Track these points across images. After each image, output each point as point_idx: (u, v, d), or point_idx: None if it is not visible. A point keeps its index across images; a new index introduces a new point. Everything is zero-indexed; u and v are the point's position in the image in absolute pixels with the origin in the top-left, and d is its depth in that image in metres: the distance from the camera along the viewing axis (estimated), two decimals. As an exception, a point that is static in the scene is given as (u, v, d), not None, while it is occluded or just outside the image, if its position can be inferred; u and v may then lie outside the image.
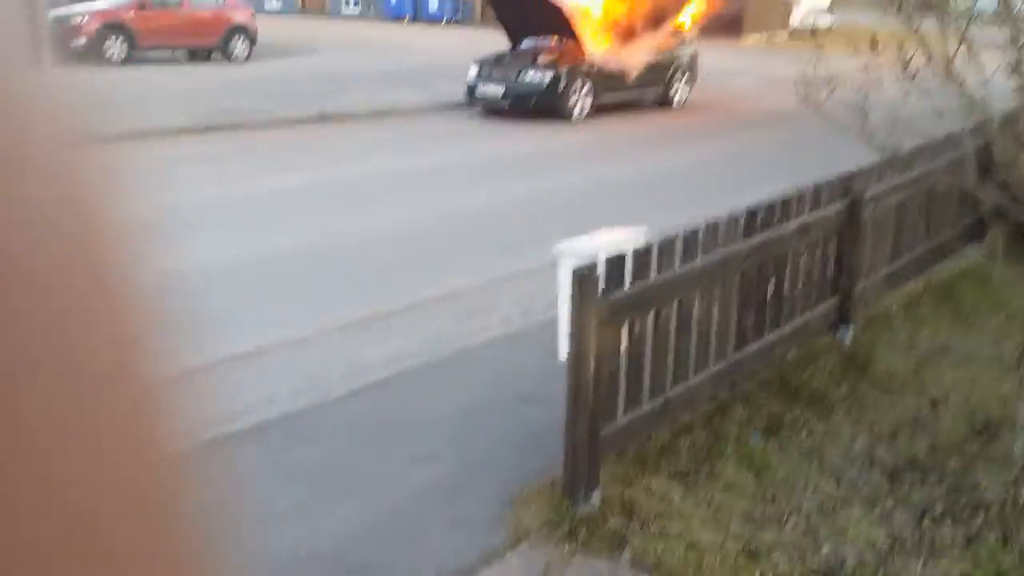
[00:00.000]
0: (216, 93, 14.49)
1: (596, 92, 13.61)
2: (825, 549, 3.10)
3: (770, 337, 4.42)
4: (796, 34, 26.15)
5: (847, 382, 4.49)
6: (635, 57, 14.07)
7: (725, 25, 19.93)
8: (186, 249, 6.71)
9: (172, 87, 15.18)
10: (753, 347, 4.30)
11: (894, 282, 5.62)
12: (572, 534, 3.14)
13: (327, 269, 6.39)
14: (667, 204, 8.23)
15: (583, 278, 3.21)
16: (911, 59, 3.77)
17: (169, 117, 12.01)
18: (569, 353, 3.26)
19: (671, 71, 14.86)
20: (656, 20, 14.44)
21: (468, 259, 6.65)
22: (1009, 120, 3.78)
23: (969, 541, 3.16)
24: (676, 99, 15.08)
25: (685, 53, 15.11)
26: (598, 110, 13.76)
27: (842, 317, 4.95)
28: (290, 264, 6.46)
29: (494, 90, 13.42)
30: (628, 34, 14.24)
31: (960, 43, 3.97)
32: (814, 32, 4.26)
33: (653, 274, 3.54)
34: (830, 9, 28.49)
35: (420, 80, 16.34)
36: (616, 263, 3.34)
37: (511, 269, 6.34)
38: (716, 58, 16.53)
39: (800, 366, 4.61)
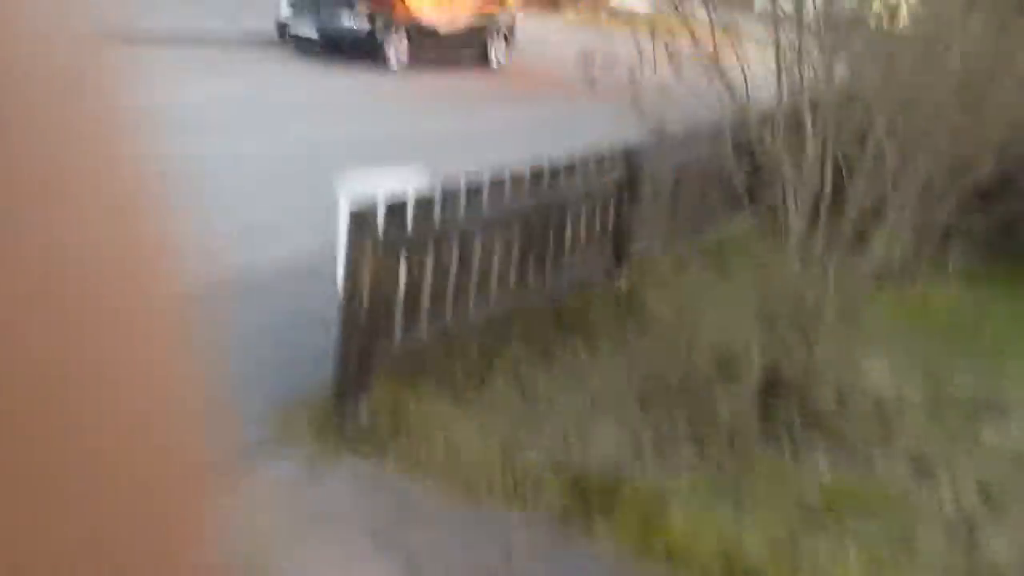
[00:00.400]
0: None
1: (413, 45, 13.62)
2: (574, 452, 3.38)
3: (551, 282, 4.72)
4: (614, 14, 27.05)
5: (617, 324, 4.84)
6: (453, 15, 14.23)
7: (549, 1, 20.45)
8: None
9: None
10: (534, 290, 4.58)
11: (668, 243, 6.09)
12: (339, 439, 3.26)
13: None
14: (469, 156, 8.43)
15: (359, 217, 3.36)
16: (676, 46, 4.14)
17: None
18: (344, 277, 3.40)
19: (490, 34, 15.16)
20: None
21: (268, 194, 6.58)
22: (765, 118, 4.20)
23: (701, 457, 3.54)
24: (493, 61, 15.42)
25: (505, 19, 15.47)
26: (415, 63, 13.78)
27: (619, 270, 5.34)
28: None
29: (308, 31, 13.10)
30: None
31: (728, 35, 4.35)
32: (629, 18, 4.53)
33: (436, 220, 3.73)
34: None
35: (223, 6, 15.51)
36: (395, 208, 3.51)
37: (310, 203, 6.32)
38: (536, 28, 16.95)
39: (578, 308, 4.92)
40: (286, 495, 2.93)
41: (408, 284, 3.67)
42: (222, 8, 15.15)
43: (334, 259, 5.27)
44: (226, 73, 11.64)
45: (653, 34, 4.83)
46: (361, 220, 3.37)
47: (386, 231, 3.45)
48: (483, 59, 15.24)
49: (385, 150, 8.40)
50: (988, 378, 4.48)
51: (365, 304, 3.39)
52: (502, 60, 15.67)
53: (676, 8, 4.49)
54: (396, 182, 4.41)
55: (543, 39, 18.29)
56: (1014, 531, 3.07)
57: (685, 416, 3.86)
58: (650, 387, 4.11)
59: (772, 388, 3.86)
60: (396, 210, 3.53)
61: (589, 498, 3.07)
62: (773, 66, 4.31)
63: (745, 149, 5.08)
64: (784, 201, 4.03)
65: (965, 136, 4.14)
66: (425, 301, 3.80)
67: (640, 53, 4.63)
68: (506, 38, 15.69)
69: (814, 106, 3.97)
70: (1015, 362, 4.72)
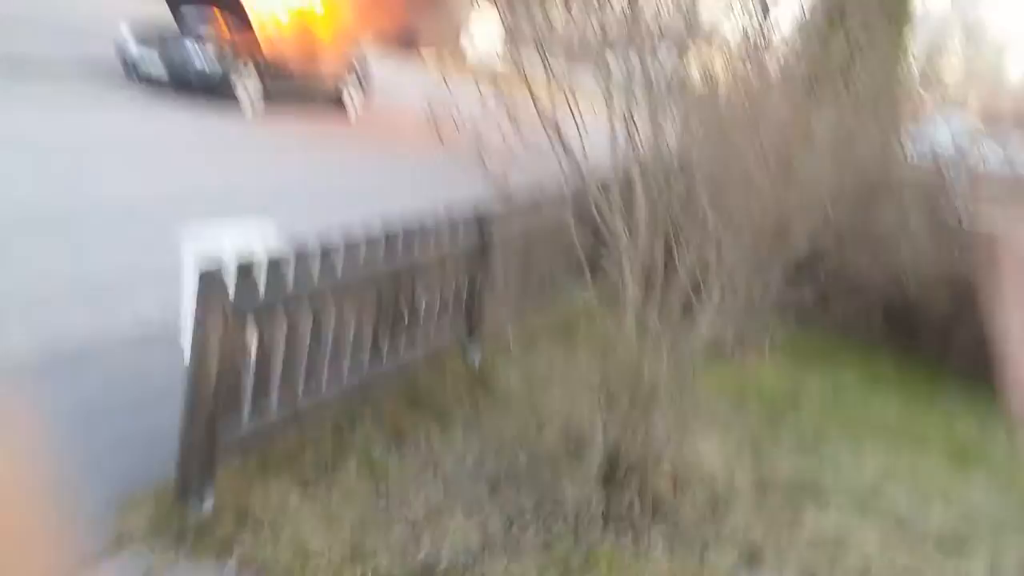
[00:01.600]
0: None
1: (266, 89, 13.39)
2: (424, 551, 3.39)
3: (404, 356, 4.71)
4: (475, 68, 27.46)
5: (470, 400, 4.91)
6: (309, 58, 14.10)
7: (406, 43, 20.60)
8: None
9: None
10: (387, 364, 4.55)
11: (520, 314, 6.23)
12: (179, 539, 3.13)
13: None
14: (319, 211, 8.34)
15: (209, 280, 3.20)
16: (516, 108, 4.16)
17: None
18: (190, 355, 3.26)
19: (346, 80, 15.12)
20: (332, 28, 14.60)
21: (104, 248, 6.26)
22: (605, 186, 4.32)
23: (547, 543, 3.63)
24: (349, 108, 15.37)
25: (361, 65, 15.46)
26: (268, 107, 13.53)
27: (472, 342, 5.40)
28: None
29: (157, 70, 12.66)
30: (303, 36, 14.22)
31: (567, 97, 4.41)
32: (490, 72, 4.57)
33: (289, 284, 3.62)
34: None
35: (60, 39, 14.74)
36: (248, 268, 3.37)
37: (151, 263, 6.06)
38: (394, 75, 17.02)
39: (430, 383, 4.95)
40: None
41: (259, 355, 3.55)
42: (64, 33, 14.33)
43: (177, 324, 5.08)
44: (65, 110, 11.02)
45: (501, 91, 4.89)
46: (210, 282, 3.18)
47: (237, 295, 3.27)
48: (338, 105, 15.14)
49: (230, 202, 8.18)
50: (808, 458, 4.83)
51: (213, 379, 3.24)
52: (358, 107, 15.62)
53: (516, 65, 4.50)
54: (243, 237, 4.25)
55: (400, 86, 18.35)
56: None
57: (532, 500, 3.95)
58: (501, 470, 4.18)
59: (614, 470, 4.01)
60: (246, 271, 3.36)
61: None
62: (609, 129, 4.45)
63: (587, 216, 5.26)
64: (621, 272, 4.13)
65: (779, 208, 4.40)
66: (276, 375, 3.69)
67: (486, 111, 4.65)
68: (362, 84, 15.67)
69: (643, 173, 4.03)
70: (830, 442, 5.11)
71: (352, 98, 15.48)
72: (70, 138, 9.50)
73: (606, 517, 3.81)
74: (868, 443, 5.20)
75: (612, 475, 3.97)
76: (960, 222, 8.28)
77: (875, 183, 7.79)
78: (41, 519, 3.14)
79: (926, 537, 4.15)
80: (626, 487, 3.94)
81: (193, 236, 4.36)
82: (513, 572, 3.38)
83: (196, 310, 3.22)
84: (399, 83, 18.56)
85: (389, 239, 4.38)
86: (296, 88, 14.06)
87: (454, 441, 4.39)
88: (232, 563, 3.09)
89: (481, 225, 5.27)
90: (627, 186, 4.15)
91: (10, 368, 4.26)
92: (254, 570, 3.07)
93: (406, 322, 4.70)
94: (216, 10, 13.48)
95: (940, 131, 14.94)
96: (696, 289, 4.16)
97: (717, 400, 5.18)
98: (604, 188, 4.12)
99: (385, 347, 4.53)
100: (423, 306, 4.83)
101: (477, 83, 4.69)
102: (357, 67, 15.42)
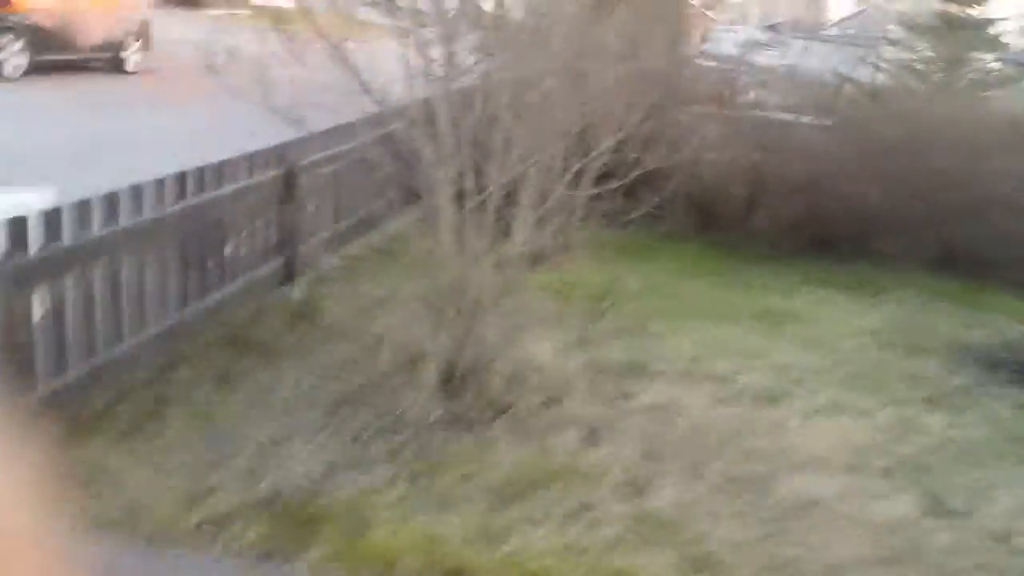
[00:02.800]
0: None
1: (32, 50, 12.24)
2: (266, 482, 3.28)
3: (215, 296, 4.49)
4: (258, 10, 26.29)
5: (295, 333, 4.76)
6: (80, 14, 12.97)
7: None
8: None
9: None
10: (197, 307, 4.33)
11: (337, 243, 6.09)
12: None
13: None
14: (100, 170, 7.77)
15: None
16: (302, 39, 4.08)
17: None
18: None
19: (123, 36, 14.05)
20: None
21: None
22: (403, 112, 4.29)
23: (392, 453, 3.60)
24: (128, 64, 14.32)
25: (138, 18, 14.39)
26: (37, 69, 12.38)
27: (288, 275, 5.23)
28: None
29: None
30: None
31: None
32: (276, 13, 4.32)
33: (67, 238, 3.36)
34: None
35: None
36: (19, 225, 3.10)
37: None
38: (176, 27, 15.93)
39: (250, 322, 4.76)
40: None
41: (47, 317, 3.29)
42: None
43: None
44: None
45: (285, 29, 4.71)
46: None
47: (11, 256, 3.04)
48: (116, 62, 14.05)
49: (7, 160, 7.46)
50: (632, 342, 5.04)
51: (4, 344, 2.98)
52: (138, 63, 14.54)
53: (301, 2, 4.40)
54: (17, 203, 3.92)
55: (182, 39, 17.20)
56: (675, 482, 3.50)
57: (372, 418, 3.90)
58: (336, 395, 4.09)
59: (449, 377, 4.03)
60: (18, 230, 3.11)
61: (288, 524, 3.01)
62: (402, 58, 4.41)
63: (390, 143, 5.19)
64: (434, 195, 4.15)
65: (579, 119, 4.55)
66: (69, 335, 3.43)
67: (270, 50, 4.49)
68: (141, 39, 14.58)
69: (444, 98, 4.07)
70: (651, 327, 5.36)
71: (131, 57, 14.41)
72: None
73: (446, 421, 3.82)
74: (686, 324, 5.48)
75: (448, 382, 3.99)
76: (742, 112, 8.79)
77: (668, 88, 8.09)
78: None
79: (744, 394, 4.44)
80: (463, 391, 3.97)
81: None
82: (362, 485, 3.33)
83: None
84: (182, 38, 17.45)
85: (180, 179, 4.13)
86: (68, 47, 12.91)
87: (283, 375, 4.26)
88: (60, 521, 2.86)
89: (284, 159, 5.07)
90: (430, 113, 4.14)
91: None
92: (88, 523, 2.87)
93: (213, 263, 4.47)
94: None
95: (725, 41, 16.15)
96: (508, 203, 4.23)
97: (541, 303, 5.30)
98: (408, 118, 4.08)
99: (193, 290, 4.30)
100: (230, 245, 4.61)
101: (261, 26, 4.51)
102: (136, 26, 14.34)
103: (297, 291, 5.24)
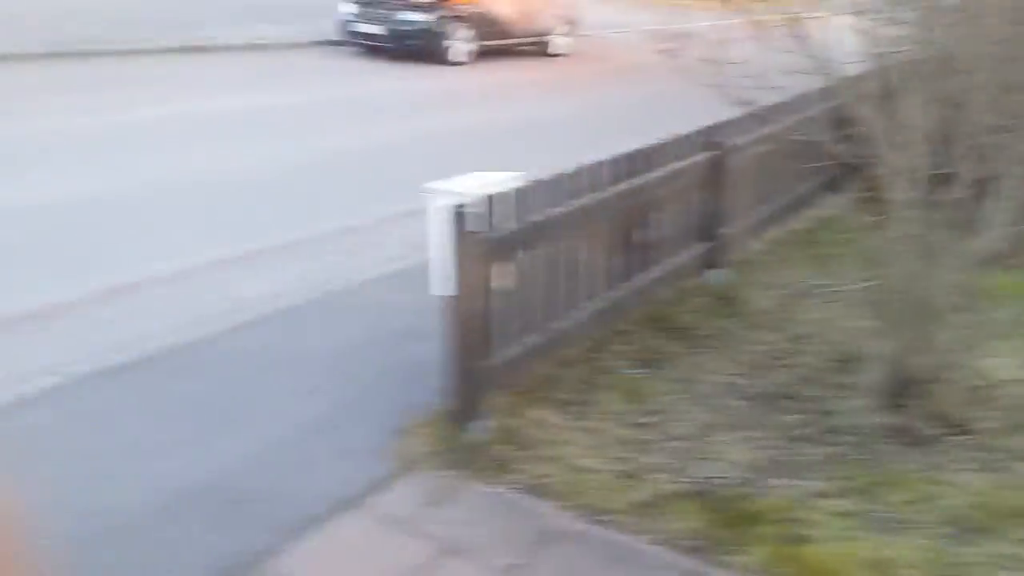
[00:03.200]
0: (60, 18, 13.57)
1: (477, 37, 13.56)
2: (697, 471, 3.27)
3: (644, 278, 4.58)
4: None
5: (718, 320, 4.71)
6: (520, 8, 14.07)
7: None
8: (51, 181, 6.33)
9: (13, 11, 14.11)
10: (628, 287, 4.45)
11: (759, 229, 5.91)
12: (459, 462, 3.20)
13: (206, 203, 6.16)
14: (542, 149, 8.32)
15: (459, 217, 3.22)
16: (762, 20, 3.88)
17: (12, 42, 11.20)
18: (447, 289, 3.29)
19: (553, 22, 14.98)
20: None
21: (350, 197, 6.55)
22: (856, 82, 3.98)
23: (829, 460, 3.40)
24: (558, 48, 15.25)
25: (568, 4, 15.24)
26: (480, 55, 13.72)
27: (712, 261, 5.18)
28: (168, 197, 6.21)
29: (372, 29, 13.16)
30: None
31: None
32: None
33: (529, 215, 3.60)
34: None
35: (292, 13, 15.79)
36: (491, 202, 3.37)
37: (393, 209, 6.29)
38: (597, 10, 16.70)
39: (674, 305, 4.79)
40: (414, 525, 2.88)
41: (508, 287, 3.56)
42: (280, 15, 15.34)
43: (417, 262, 5.24)
44: (290, 76, 11.69)
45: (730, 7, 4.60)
46: (461, 217, 3.22)
47: (486, 227, 3.30)
48: (548, 46, 15.07)
49: (457, 147, 8.34)
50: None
51: (468, 314, 3.28)
52: (565, 47, 15.45)
53: None
54: (486, 185, 4.32)
55: (603, 21, 18.02)
56: None
57: (802, 418, 3.72)
58: (762, 390, 3.97)
59: (893, 387, 3.69)
60: (494, 204, 3.38)
61: (720, 520, 2.97)
62: (855, 33, 4.08)
63: (835, 123, 4.86)
64: (882, 178, 3.78)
65: None
66: (526, 306, 3.70)
67: (724, 29, 4.40)
68: (569, 24, 15.47)
69: (908, 72, 3.69)
70: None
71: (558, 42, 15.34)
72: (298, 100, 10.03)
73: (889, 432, 3.51)
74: None
75: (892, 389, 3.66)
76: None
77: None
78: (327, 446, 3.32)
79: None
80: (909, 402, 3.61)
81: (438, 184, 4.47)
82: (797, 489, 3.19)
83: (449, 246, 3.24)
84: (604, 21, 18.26)
85: (621, 162, 4.25)
86: (507, 34, 14.12)
87: (707, 361, 4.23)
88: (512, 482, 3.12)
89: (711, 139, 5.00)
90: (885, 87, 3.79)
91: (276, 308, 4.54)
92: (533, 488, 3.09)
93: (643, 245, 4.56)
94: None
95: None
96: (975, 195, 3.74)
97: (1002, 308, 4.67)
98: (857, 92, 3.76)
99: (624, 271, 4.42)
100: (659, 228, 4.66)
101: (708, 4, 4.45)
102: (565, 12, 15.24)
103: (720, 277, 5.18)
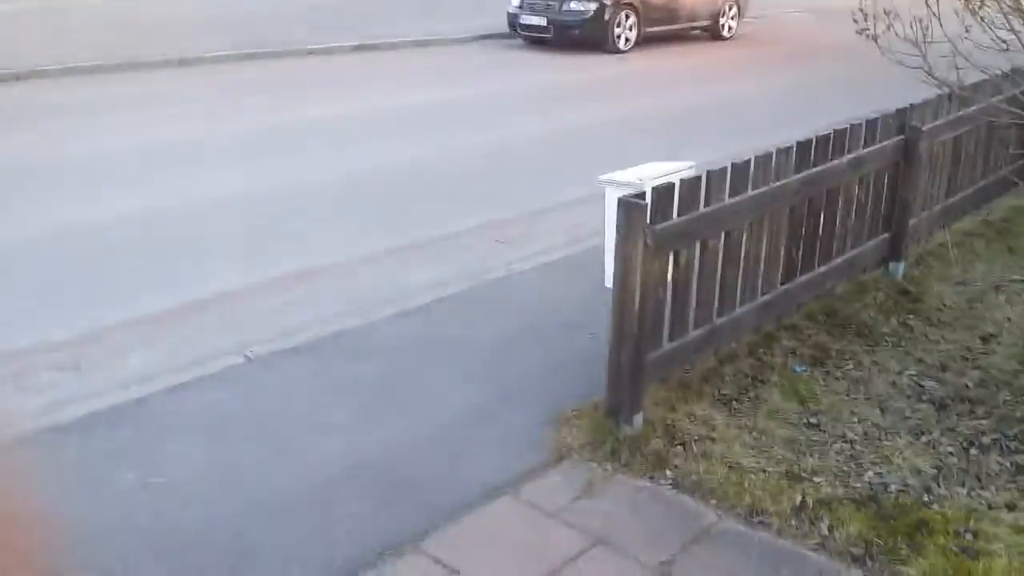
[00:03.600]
0: (246, 21, 14.49)
1: (642, 23, 13.39)
2: (869, 475, 3.09)
3: (820, 270, 4.36)
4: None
5: (897, 316, 4.43)
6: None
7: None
8: (228, 177, 6.80)
9: (202, 15, 15.19)
10: (801, 279, 4.24)
11: (948, 217, 5.50)
12: (614, 454, 3.17)
13: (375, 197, 6.42)
14: (715, 136, 8.10)
15: (630, 206, 3.16)
16: None
17: (198, 44, 12.10)
18: (614, 280, 3.25)
19: (721, 4, 14.55)
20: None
21: (510, 190, 6.63)
22: None
23: (1017, 470, 3.13)
24: (725, 31, 14.81)
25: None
26: (645, 41, 13.53)
27: (894, 252, 4.85)
28: (339, 191, 6.51)
29: (537, 21, 13.29)
30: None
31: None
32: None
33: (701, 205, 3.48)
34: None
35: (462, 10, 16.14)
36: (664, 193, 3.28)
37: (556, 199, 6.32)
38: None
39: (850, 299, 4.55)
40: (567, 516, 2.89)
41: (676, 276, 3.48)
42: (459, 11, 15.83)
43: (577, 252, 5.24)
44: (460, 72, 11.97)
45: None
46: (631, 208, 3.15)
47: (655, 219, 3.21)
48: (714, 30, 14.67)
49: (639, 128, 8.27)
50: None
51: (637, 301, 3.21)
52: (734, 28, 15.00)
53: None
54: (661, 174, 4.25)
55: (772, 1, 17.32)
56: None
57: (990, 424, 3.44)
58: (944, 391, 3.70)
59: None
60: (664, 196, 3.28)
61: (889, 528, 2.79)
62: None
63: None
64: None
65: None
66: (693, 296, 3.60)
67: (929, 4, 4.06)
68: (736, 7, 14.98)
69: None
70: None
71: (728, 20, 14.90)
72: (469, 93, 10.25)
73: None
74: None
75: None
76: None
77: None
78: (486, 433, 3.38)
79: None
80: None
81: (613, 174, 4.44)
82: (976, 499, 2.95)
83: (618, 235, 3.19)
84: (776, 1, 17.56)
85: (800, 150, 4.04)
86: (671, 18, 13.87)
87: (883, 360, 3.98)
88: (667, 478, 3.07)
89: (903, 126, 4.67)
90: None
91: (440, 296, 4.66)
92: (688, 485, 3.02)
93: (821, 235, 4.33)
94: None
95: None
96: None
97: None
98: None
99: (800, 262, 4.22)
100: (839, 217, 4.41)
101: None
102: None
103: (903, 269, 4.85)
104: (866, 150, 4.41)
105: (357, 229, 5.75)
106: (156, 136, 7.97)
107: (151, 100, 9.62)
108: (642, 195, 3.26)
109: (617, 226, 3.22)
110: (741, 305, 3.88)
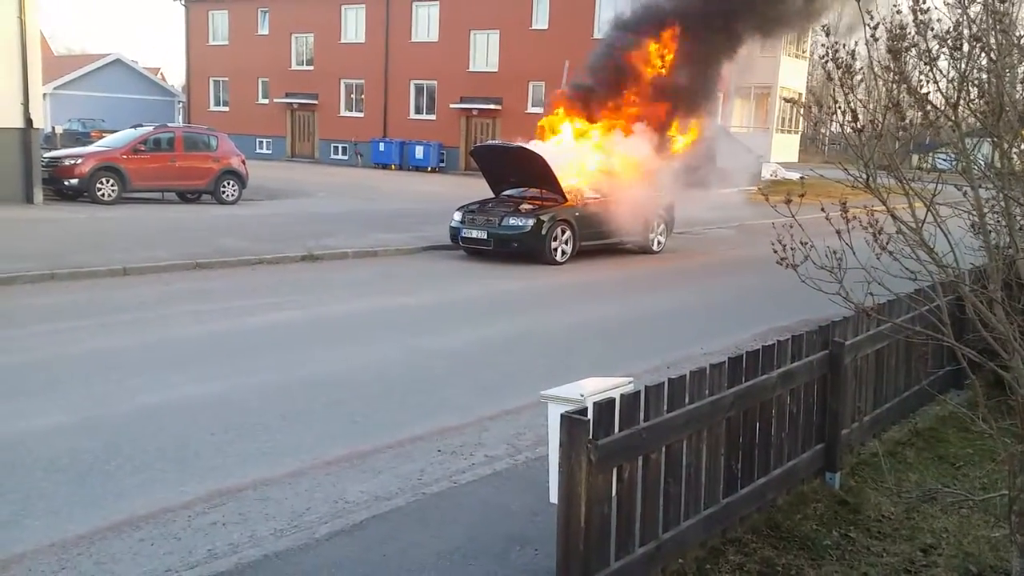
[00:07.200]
0: (206, 233, 14.78)
1: (577, 238, 14.07)
2: None
3: (760, 481, 4.41)
4: (765, 186, 27.19)
5: (837, 527, 4.45)
6: (614, 200, 14.61)
7: (698, 178, 20.92)
8: (173, 382, 6.68)
9: (162, 227, 15.48)
10: (743, 492, 4.28)
11: (879, 427, 5.67)
12: None
13: (313, 405, 6.35)
14: (648, 346, 8.33)
15: (573, 422, 3.20)
16: (880, 225, 3.84)
17: (158, 254, 12.21)
18: (559, 496, 3.23)
19: (650, 218, 15.43)
20: (631, 169, 15.08)
21: (454, 397, 6.64)
22: (978, 278, 3.89)
23: None
24: (655, 245, 15.61)
25: (663, 202, 15.71)
26: (580, 254, 14.17)
27: (829, 462, 4.95)
28: (276, 399, 6.43)
29: (478, 234, 13.85)
30: (609, 192, 14.85)
31: (925, 206, 4.05)
32: (788, 200, 4.29)
33: (641, 419, 3.55)
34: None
35: (406, 223, 16.82)
36: (605, 408, 3.35)
37: (496, 408, 6.34)
38: (690, 207, 17.14)
39: (790, 511, 4.57)
40: None
41: (620, 494, 3.47)
42: (401, 223, 16.40)
43: (522, 461, 5.21)
44: (401, 280, 12.26)
45: (844, 211, 4.54)
46: (575, 426, 3.18)
47: (595, 435, 3.25)
48: (644, 244, 15.49)
49: (580, 336, 8.45)
50: None
51: (583, 522, 3.18)
52: (663, 243, 15.86)
53: (867, 180, 4.16)
54: (601, 390, 4.32)
55: (697, 218, 18.47)
56: None
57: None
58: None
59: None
60: (604, 413, 3.34)
61: None
62: (965, 226, 3.99)
63: (955, 319, 4.68)
64: (1011, 377, 3.60)
65: None
66: (637, 510, 3.58)
67: (839, 228, 4.31)
68: (665, 221, 15.95)
69: None
70: None
71: (658, 235, 15.79)
72: (411, 302, 10.46)
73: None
74: None
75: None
76: None
77: None
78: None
79: None
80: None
81: (554, 390, 4.51)
82: None
83: (562, 451, 3.21)
84: (701, 218, 18.73)
85: (732, 364, 4.21)
86: (604, 233, 14.61)
87: (830, 575, 3.96)
88: None
89: (826, 341, 4.91)
90: (1012, 278, 3.71)
91: (380, 511, 4.52)
92: None
93: (758, 446, 4.42)
94: (531, 189, 14.64)
95: None
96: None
97: None
98: (982, 286, 3.68)
99: (740, 474, 4.28)
100: (774, 429, 4.53)
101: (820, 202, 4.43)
102: (662, 210, 15.76)
103: (839, 479, 4.93)
104: (794, 364, 4.60)
105: (298, 438, 5.64)
106: (99, 344, 7.86)
107: (97, 306, 9.57)
108: (584, 411, 3.32)
109: (560, 442, 3.24)
110: (685, 519, 3.87)
